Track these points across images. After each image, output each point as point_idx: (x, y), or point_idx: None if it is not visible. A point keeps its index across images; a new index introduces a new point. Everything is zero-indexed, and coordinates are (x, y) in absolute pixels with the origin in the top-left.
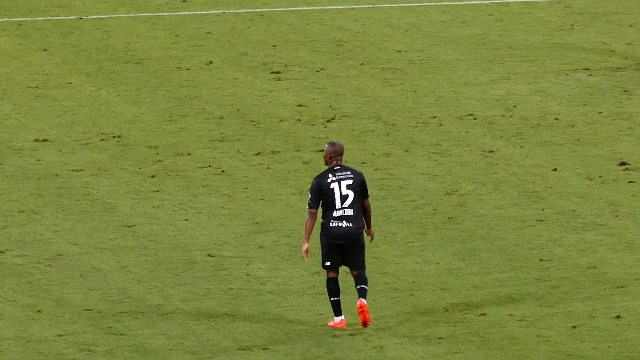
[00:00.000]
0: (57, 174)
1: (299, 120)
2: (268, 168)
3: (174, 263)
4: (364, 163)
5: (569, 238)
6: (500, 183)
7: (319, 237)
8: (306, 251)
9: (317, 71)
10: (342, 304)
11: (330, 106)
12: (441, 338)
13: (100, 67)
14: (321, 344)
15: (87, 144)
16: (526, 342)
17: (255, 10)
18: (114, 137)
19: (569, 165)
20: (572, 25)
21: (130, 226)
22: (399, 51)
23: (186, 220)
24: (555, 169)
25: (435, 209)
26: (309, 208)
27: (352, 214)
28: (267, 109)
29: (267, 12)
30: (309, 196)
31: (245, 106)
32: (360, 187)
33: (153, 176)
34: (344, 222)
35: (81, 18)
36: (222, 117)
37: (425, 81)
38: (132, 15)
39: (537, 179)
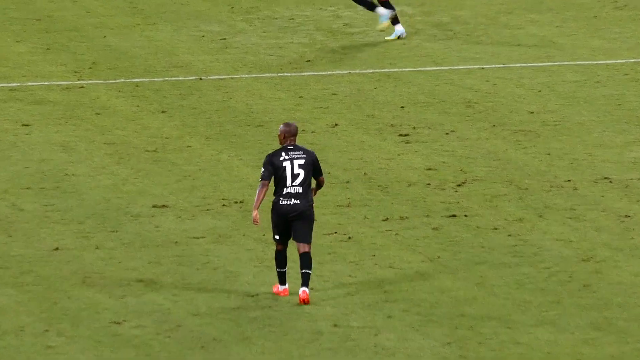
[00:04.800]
0: (176, 241)
1: (429, 184)
2: (396, 234)
3: (299, 333)
4: (496, 229)
5: None
6: (637, 249)
7: (270, 212)
8: (255, 218)
9: (447, 133)
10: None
11: (461, 170)
12: None
13: (221, 129)
14: None
15: (207, 210)
16: None
17: (382, 70)
18: (236, 202)
19: None
20: None
21: (253, 295)
22: (532, 112)
23: (312, 289)
24: None
25: (570, 276)
26: (261, 180)
27: (301, 191)
28: (395, 172)
29: (395, 73)
30: (262, 170)
31: (372, 170)
32: (311, 166)
33: None
34: (292, 199)
35: (200, 79)
36: (348, 182)
37: (559, 143)
38: (253, 75)
39: None
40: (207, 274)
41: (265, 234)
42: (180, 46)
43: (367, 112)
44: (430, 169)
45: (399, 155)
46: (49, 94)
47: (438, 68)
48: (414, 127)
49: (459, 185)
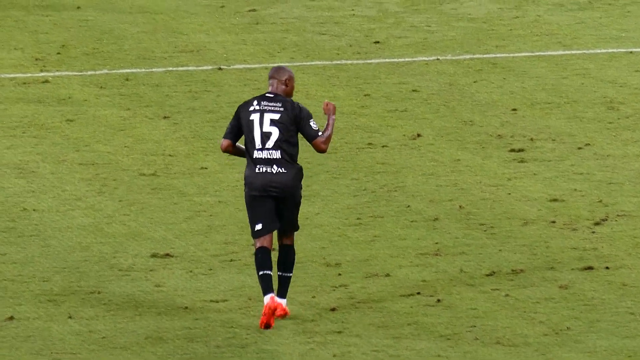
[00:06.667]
0: (186, 307)
1: (553, 222)
2: (507, 296)
3: None
4: None
5: None
6: None
7: (244, 196)
8: None
9: (580, 148)
10: None
11: (601, 201)
12: None
13: None
14: None
15: (231, 260)
16: None
17: (485, 56)
18: (274, 249)
19: None
20: None
21: None
22: None
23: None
24: None
25: None
26: (223, 138)
27: (279, 157)
28: (504, 205)
29: (503, 59)
30: None
31: (470, 202)
32: (292, 126)
33: (333, 309)
34: (274, 166)
35: (220, 69)
36: (436, 219)
37: None
38: (297, 64)
39: None
40: (231, 354)
41: (316, 295)
42: (189, 21)
43: (463, 117)
44: (555, 200)
45: (509, 180)
46: None
47: (566, 52)
48: (532, 140)
49: (597, 224)
